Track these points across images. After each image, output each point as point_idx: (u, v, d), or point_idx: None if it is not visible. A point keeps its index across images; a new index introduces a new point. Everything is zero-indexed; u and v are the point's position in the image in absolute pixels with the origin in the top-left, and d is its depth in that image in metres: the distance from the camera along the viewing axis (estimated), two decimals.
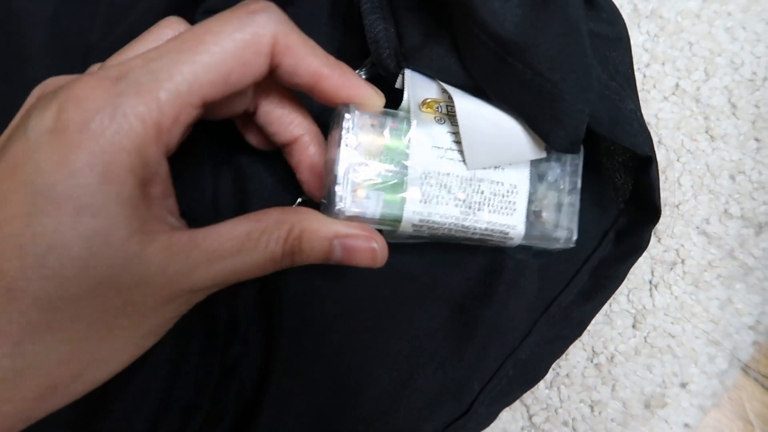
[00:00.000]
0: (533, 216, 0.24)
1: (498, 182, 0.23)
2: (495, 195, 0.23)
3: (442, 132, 0.23)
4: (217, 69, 0.19)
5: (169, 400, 0.27)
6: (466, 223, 0.23)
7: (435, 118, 0.23)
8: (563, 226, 0.25)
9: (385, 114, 0.23)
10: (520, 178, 0.24)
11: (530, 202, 0.24)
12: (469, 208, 0.23)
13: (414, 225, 0.23)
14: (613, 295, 0.28)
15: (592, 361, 0.30)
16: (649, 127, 0.27)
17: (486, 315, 0.28)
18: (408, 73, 0.24)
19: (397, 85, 0.24)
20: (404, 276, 0.28)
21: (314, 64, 0.21)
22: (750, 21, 0.31)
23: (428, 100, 0.23)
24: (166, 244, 0.19)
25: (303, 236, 0.21)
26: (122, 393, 0.26)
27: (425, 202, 0.23)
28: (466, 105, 0.23)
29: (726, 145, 0.31)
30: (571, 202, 0.25)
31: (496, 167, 0.23)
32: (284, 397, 0.27)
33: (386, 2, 0.25)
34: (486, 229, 0.24)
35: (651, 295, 0.30)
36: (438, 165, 0.23)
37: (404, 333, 0.28)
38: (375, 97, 0.23)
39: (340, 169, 0.22)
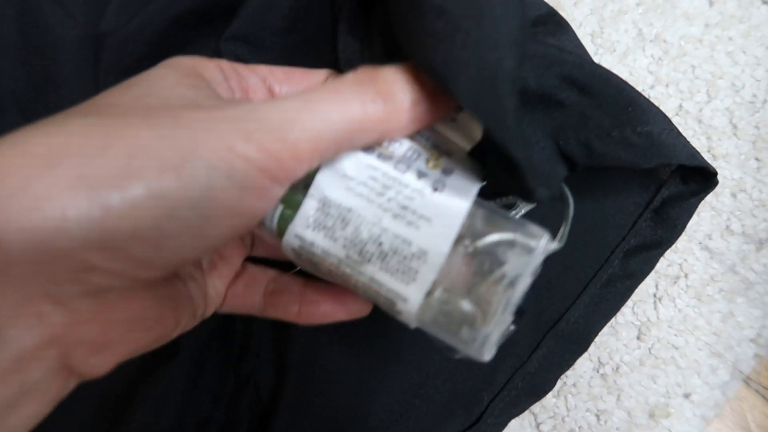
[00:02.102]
0: (444, 301, 0.18)
1: (405, 240, 0.18)
2: (395, 253, 0.18)
3: (362, 162, 0.19)
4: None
5: (186, 413, 0.28)
6: (348, 270, 0.19)
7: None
8: (485, 332, 0.18)
9: None
10: (436, 246, 0.18)
11: (441, 284, 0.18)
12: (359, 254, 0.18)
13: (294, 250, 0.19)
14: None
15: (598, 372, 0.31)
16: None
17: None
18: None
19: None
20: None
21: None
22: (750, 46, 0.32)
23: None
24: None
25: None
26: (142, 406, 0.27)
27: (311, 229, 0.19)
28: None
29: (727, 164, 0.31)
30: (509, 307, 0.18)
31: (410, 223, 0.18)
32: (297, 407, 0.28)
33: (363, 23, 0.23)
34: (369, 287, 0.19)
35: (655, 308, 0.31)
36: (341, 196, 0.18)
37: (414, 343, 0.28)
38: None
39: None
